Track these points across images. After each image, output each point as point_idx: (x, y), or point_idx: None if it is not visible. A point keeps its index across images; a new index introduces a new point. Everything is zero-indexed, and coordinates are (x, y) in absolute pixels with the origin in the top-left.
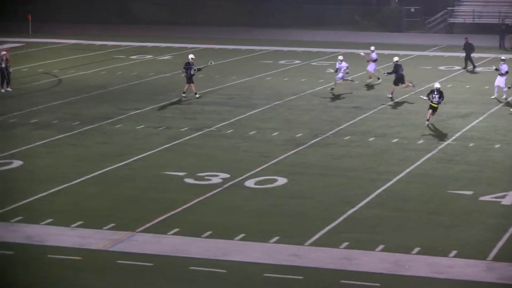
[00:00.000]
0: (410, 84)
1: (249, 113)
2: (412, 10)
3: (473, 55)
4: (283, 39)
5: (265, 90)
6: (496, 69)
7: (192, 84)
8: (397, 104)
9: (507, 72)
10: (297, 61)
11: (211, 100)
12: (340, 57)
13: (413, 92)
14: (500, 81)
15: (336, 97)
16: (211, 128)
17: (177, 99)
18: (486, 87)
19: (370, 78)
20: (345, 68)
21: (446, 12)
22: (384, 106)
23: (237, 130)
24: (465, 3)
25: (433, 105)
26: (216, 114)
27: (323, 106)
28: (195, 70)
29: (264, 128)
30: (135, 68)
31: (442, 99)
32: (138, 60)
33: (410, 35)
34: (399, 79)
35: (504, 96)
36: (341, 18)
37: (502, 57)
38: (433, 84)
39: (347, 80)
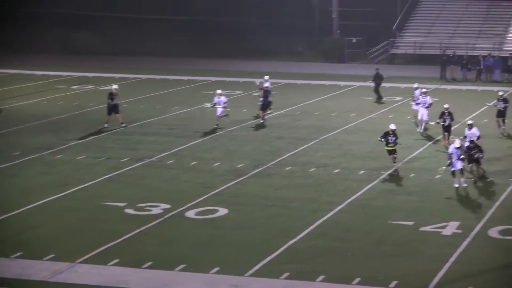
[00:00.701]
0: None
1: (190, 144)
2: (354, 41)
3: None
4: (224, 69)
5: (206, 121)
6: (418, 104)
7: (118, 115)
8: (338, 135)
9: (430, 105)
10: (238, 92)
11: (153, 131)
12: (218, 91)
13: (353, 124)
14: (423, 113)
15: (278, 128)
16: (152, 159)
17: (118, 128)
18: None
19: None
20: (223, 103)
21: (388, 43)
22: (325, 136)
23: (178, 161)
24: (406, 34)
25: (389, 148)
26: (157, 144)
27: (264, 137)
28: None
29: (205, 158)
30: (76, 98)
31: (396, 140)
32: (80, 90)
33: (352, 66)
34: (266, 105)
35: (420, 130)
36: (285, 49)
37: (423, 90)
38: (389, 126)
39: (222, 116)
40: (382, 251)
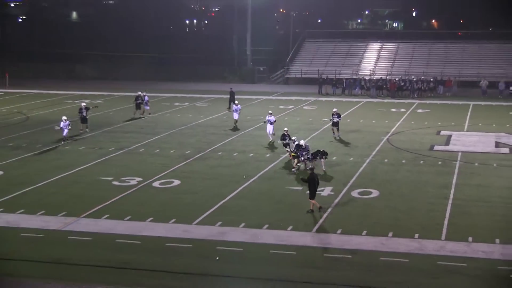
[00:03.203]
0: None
1: (154, 138)
2: (261, 69)
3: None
4: (176, 89)
5: (164, 123)
6: (265, 122)
7: (86, 124)
8: (253, 131)
9: (274, 121)
10: (186, 103)
11: (129, 129)
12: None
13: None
14: (269, 128)
15: (211, 127)
16: (130, 148)
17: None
18: (310, 119)
19: None
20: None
21: (284, 70)
22: (243, 132)
23: (146, 149)
24: (295, 64)
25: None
26: (132, 138)
27: (203, 133)
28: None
29: (164, 147)
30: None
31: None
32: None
33: (260, 85)
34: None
35: (271, 140)
36: (213, 74)
37: (270, 111)
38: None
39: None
40: (280, 208)
